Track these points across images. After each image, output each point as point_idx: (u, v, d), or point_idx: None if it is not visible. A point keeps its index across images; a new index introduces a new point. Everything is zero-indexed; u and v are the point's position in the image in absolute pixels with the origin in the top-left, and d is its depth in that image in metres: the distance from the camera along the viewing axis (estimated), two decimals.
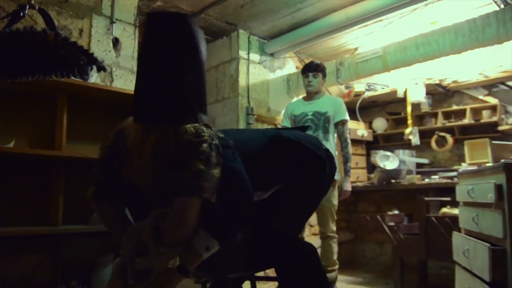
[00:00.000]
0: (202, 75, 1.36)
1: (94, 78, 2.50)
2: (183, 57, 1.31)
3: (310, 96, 3.30)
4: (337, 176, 3.14)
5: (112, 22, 2.75)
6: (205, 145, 1.26)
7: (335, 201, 3.19)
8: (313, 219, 3.38)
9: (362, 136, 4.59)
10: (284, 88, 4.37)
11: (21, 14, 1.83)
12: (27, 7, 1.87)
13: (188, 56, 1.32)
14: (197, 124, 1.29)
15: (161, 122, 1.29)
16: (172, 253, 1.24)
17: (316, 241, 3.56)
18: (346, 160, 3.15)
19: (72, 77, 1.91)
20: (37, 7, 1.91)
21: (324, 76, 3.29)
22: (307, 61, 3.79)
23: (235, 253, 1.53)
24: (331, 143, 3.17)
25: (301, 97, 3.53)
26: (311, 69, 3.23)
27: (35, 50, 1.68)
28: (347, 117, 3.23)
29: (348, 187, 3.12)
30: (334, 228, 3.17)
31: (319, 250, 3.43)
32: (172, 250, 1.25)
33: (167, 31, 1.32)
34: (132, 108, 1.34)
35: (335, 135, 3.23)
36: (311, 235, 4.21)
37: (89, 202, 1.44)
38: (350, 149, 3.18)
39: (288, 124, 3.33)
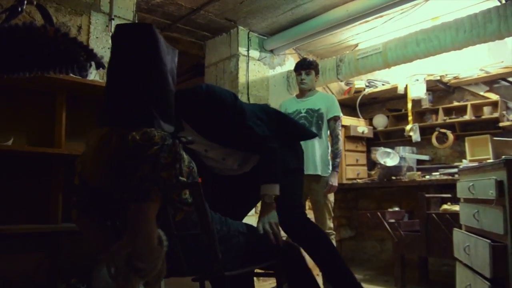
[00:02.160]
0: (165, 84, 1.38)
1: (93, 75, 2.49)
2: (142, 65, 1.33)
3: (303, 93, 3.30)
4: (326, 173, 3.14)
5: (111, 19, 2.74)
6: (155, 147, 1.23)
7: (332, 198, 3.19)
8: (312, 217, 3.37)
9: (363, 132, 4.58)
10: (284, 85, 4.36)
11: (19, 9, 1.82)
12: (25, 2, 1.85)
13: (148, 65, 1.34)
14: (150, 129, 1.27)
15: (110, 123, 1.32)
16: (137, 280, 1.20)
17: None
18: (335, 156, 3.17)
19: (71, 74, 1.90)
20: (35, 3, 1.90)
21: (317, 73, 3.29)
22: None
23: (233, 250, 1.54)
24: (324, 140, 3.18)
25: (294, 94, 3.53)
26: (304, 67, 3.23)
27: (34, 46, 1.67)
28: (340, 113, 3.23)
29: (334, 182, 3.11)
30: (331, 225, 3.17)
31: None
32: (144, 274, 1.21)
33: (129, 41, 1.35)
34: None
35: (328, 131, 3.24)
36: None
37: (76, 224, 1.47)
38: (341, 145, 3.21)
39: None
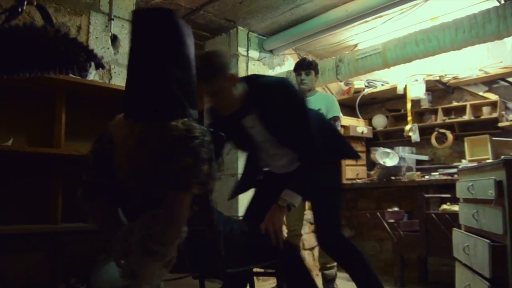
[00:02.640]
0: (190, 70, 1.36)
1: (93, 75, 2.49)
2: (169, 51, 1.31)
3: (303, 93, 3.28)
4: None
5: (110, 19, 2.75)
6: (197, 141, 1.27)
7: None
8: (311, 216, 3.37)
9: (362, 133, 4.58)
10: None
11: (19, 10, 1.82)
12: (25, 3, 1.86)
13: (174, 50, 1.31)
14: (187, 120, 1.30)
15: (148, 118, 1.31)
16: (154, 263, 1.23)
17: (314, 239, 3.54)
18: None
19: (71, 74, 1.90)
20: (35, 3, 1.90)
21: (316, 73, 3.29)
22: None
23: (235, 249, 1.54)
24: None
25: None
26: (304, 67, 3.22)
27: (34, 46, 1.67)
28: (339, 113, 3.23)
29: None
30: None
31: (316, 248, 3.43)
32: (157, 257, 1.23)
33: (152, 26, 1.32)
34: (122, 105, 1.36)
35: None
36: (310, 232, 4.21)
37: (79, 202, 1.46)
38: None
39: None
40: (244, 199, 3.70)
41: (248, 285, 1.88)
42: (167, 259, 1.26)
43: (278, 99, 1.76)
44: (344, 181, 4.32)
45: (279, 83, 1.84)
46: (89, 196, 1.43)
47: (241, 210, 3.67)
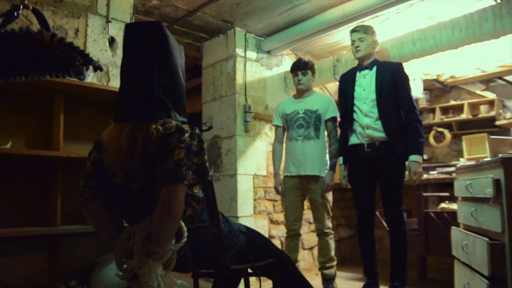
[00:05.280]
0: (177, 77, 1.45)
1: (91, 77, 2.49)
2: (155, 59, 1.40)
3: (300, 94, 3.29)
4: (324, 173, 3.12)
5: (108, 21, 2.75)
6: (186, 134, 1.35)
7: (330, 197, 3.18)
8: (310, 216, 3.38)
9: None
10: (281, 86, 4.37)
11: (15, 14, 1.82)
12: (21, 7, 1.86)
13: (160, 59, 1.41)
14: (168, 119, 1.37)
15: (133, 118, 1.37)
16: (154, 263, 1.25)
17: (313, 238, 3.56)
18: (332, 156, 3.14)
19: (68, 77, 1.90)
20: (31, 7, 1.90)
21: (313, 73, 3.29)
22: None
23: (234, 248, 1.56)
24: (322, 140, 3.18)
25: (291, 95, 3.53)
26: (300, 68, 3.23)
27: (30, 51, 1.67)
28: (337, 114, 3.23)
29: (330, 181, 3.09)
30: (330, 225, 3.17)
31: (316, 248, 3.44)
32: (157, 258, 1.27)
33: (141, 37, 1.43)
34: (114, 110, 1.45)
35: (326, 132, 3.24)
36: (309, 232, 4.21)
37: (81, 209, 1.48)
38: (338, 146, 3.19)
39: (279, 122, 3.34)
40: (243, 199, 3.71)
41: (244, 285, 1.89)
42: (167, 260, 1.28)
43: (397, 68, 2.83)
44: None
45: (399, 63, 2.93)
46: (88, 200, 1.45)
47: (241, 210, 3.67)
